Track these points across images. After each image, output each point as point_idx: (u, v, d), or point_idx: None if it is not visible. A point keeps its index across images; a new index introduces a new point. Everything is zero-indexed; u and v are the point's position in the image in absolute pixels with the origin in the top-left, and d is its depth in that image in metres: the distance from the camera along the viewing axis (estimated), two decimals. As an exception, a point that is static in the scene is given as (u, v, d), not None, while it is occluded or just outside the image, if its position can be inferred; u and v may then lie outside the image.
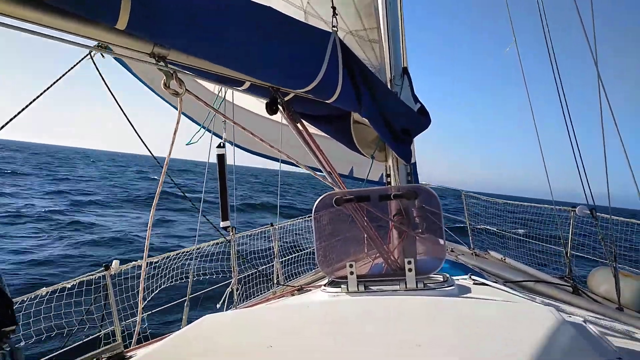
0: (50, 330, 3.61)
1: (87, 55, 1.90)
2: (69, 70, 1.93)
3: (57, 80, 1.91)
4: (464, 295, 2.20)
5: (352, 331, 1.46)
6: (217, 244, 5.20)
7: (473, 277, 2.75)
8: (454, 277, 2.46)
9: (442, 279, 2.31)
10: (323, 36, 2.30)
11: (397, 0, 3.57)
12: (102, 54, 2.08)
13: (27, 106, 1.89)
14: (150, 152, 2.77)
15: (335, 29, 2.44)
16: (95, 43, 1.66)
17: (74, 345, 3.34)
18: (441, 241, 2.40)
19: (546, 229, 6.82)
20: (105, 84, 2.19)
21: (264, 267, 5.86)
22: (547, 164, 4.67)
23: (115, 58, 3.51)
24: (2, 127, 1.91)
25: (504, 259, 5.75)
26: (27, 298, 3.38)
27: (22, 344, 3.37)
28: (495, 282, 2.83)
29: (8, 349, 0.78)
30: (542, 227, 6.86)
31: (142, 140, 2.68)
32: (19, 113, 1.79)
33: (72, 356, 2.22)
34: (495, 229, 7.31)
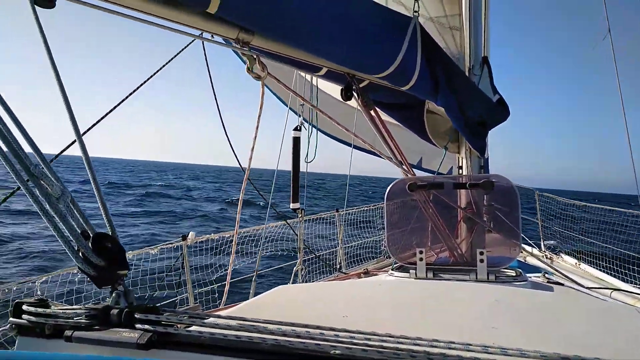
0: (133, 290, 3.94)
1: (191, 42, 2.03)
2: (175, 56, 2.09)
3: (164, 66, 2.08)
4: (539, 290, 2.11)
5: (426, 310, 1.45)
6: (285, 225, 5.35)
7: (547, 275, 2.62)
8: (527, 275, 2.36)
9: (514, 274, 2.24)
10: (403, 21, 2.27)
11: (481, -14, 3.43)
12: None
13: (132, 93, 2.08)
14: (233, 150, 2.91)
15: (416, 14, 2.40)
16: (193, 32, 1.79)
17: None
18: (517, 235, 2.30)
19: (631, 235, 6.29)
20: (209, 71, 2.34)
21: (328, 251, 5.96)
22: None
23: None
24: (108, 113, 2.11)
25: (578, 265, 5.39)
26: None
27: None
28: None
29: (122, 290, 0.89)
30: (626, 234, 6.34)
31: (227, 137, 2.85)
32: (126, 98, 1.96)
33: None
34: (570, 232, 6.87)
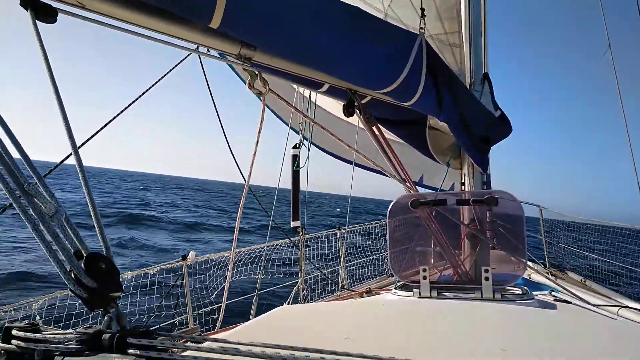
0: (132, 315, 3.87)
1: (187, 55, 2.03)
2: (170, 70, 2.08)
3: (158, 81, 2.06)
4: (546, 309, 2.06)
5: (431, 331, 1.41)
6: (286, 244, 5.29)
7: (554, 293, 2.56)
8: (533, 292, 2.30)
9: (520, 292, 2.18)
10: (409, 37, 2.27)
11: (480, 3, 3.45)
12: (199, 57, 2.21)
13: (128, 106, 2.06)
14: (236, 163, 2.89)
15: (422, 30, 2.40)
16: (194, 46, 1.77)
17: (151, 328, 3.54)
18: (522, 252, 2.25)
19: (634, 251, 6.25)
20: (208, 85, 2.32)
21: (330, 270, 5.88)
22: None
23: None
24: (104, 126, 2.10)
25: (584, 281, 5.31)
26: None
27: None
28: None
29: (115, 313, 0.85)
30: (632, 249, 6.28)
31: (231, 151, 2.83)
32: (122, 111, 1.94)
33: None
34: (575, 249, 6.80)
